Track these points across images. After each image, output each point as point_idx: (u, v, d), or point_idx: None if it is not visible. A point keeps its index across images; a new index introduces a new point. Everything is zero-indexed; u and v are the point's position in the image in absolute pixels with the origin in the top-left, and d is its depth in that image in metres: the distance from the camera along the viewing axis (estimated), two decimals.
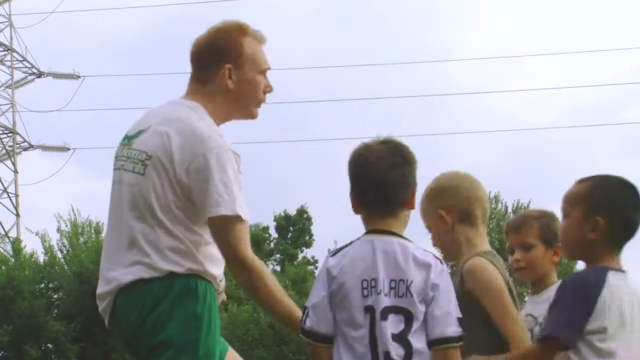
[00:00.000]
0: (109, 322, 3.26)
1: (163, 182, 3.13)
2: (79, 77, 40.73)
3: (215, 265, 3.20)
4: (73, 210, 28.40)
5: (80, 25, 68.63)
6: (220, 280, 3.28)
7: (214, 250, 3.19)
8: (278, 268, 35.73)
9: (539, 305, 3.62)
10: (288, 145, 61.80)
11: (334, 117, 58.13)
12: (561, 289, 2.90)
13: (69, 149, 40.53)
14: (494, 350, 3.04)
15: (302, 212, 39.59)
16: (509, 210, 28.61)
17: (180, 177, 3.11)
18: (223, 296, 3.43)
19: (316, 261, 37.55)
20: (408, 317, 2.73)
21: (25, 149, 40.50)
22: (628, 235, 2.95)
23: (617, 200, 2.92)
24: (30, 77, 41.19)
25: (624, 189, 2.96)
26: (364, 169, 2.88)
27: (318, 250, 39.77)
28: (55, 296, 27.45)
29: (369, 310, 2.74)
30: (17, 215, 37.80)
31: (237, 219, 3.10)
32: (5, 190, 38.77)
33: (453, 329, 2.73)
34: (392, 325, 2.72)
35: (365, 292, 2.75)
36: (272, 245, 38.99)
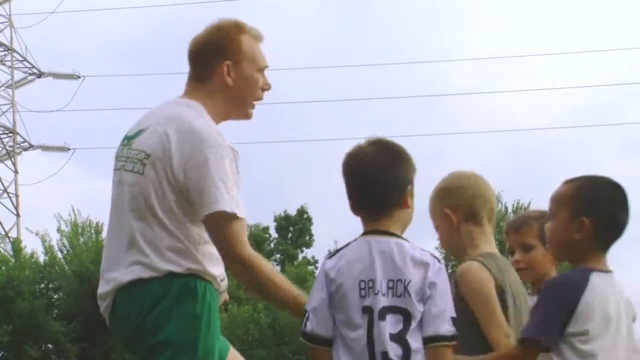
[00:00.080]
0: (110, 322, 3.27)
1: (162, 181, 3.12)
2: (79, 77, 40.79)
3: (215, 264, 3.19)
4: (73, 210, 28.50)
5: (80, 25, 68.71)
6: (222, 280, 3.26)
7: (213, 249, 3.17)
8: (278, 268, 35.67)
9: None
10: (287, 145, 61.86)
11: (334, 117, 58.22)
12: (544, 290, 2.87)
13: (69, 149, 40.61)
14: (480, 353, 3.02)
15: (302, 212, 39.61)
16: (509, 210, 28.60)
17: (178, 176, 3.10)
18: (225, 296, 3.41)
19: (316, 261, 37.56)
20: (406, 316, 2.72)
21: (26, 149, 40.53)
22: (614, 235, 2.91)
23: (603, 200, 2.89)
24: (30, 77, 41.24)
25: (610, 190, 2.93)
26: (355, 171, 2.88)
27: (318, 251, 39.84)
28: (55, 296, 27.48)
29: (367, 310, 2.72)
30: (18, 215, 37.82)
31: (234, 216, 3.08)
32: (5, 190, 38.78)
33: (446, 328, 2.72)
34: (390, 325, 2.70)
35: (363, 292, 2.73)
36: (272, 245, 39.01)
